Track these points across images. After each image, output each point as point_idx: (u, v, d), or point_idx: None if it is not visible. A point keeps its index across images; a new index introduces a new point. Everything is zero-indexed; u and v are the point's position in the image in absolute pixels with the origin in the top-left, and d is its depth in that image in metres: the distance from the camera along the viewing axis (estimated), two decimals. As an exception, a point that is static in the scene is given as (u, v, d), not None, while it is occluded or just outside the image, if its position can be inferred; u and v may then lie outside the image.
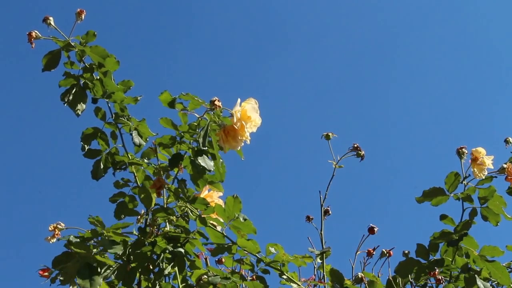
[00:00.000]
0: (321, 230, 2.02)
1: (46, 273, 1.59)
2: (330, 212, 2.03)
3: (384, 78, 5.56)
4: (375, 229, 2.02)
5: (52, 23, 1.74)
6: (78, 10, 1.75)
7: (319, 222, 2.03)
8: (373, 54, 5.59)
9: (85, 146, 1.80)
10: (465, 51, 5.62)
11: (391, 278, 1.89)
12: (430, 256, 1.86)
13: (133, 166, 1.81)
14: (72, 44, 1.76)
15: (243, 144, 1.73)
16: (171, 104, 1.72)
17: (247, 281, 1.72)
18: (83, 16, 1.75)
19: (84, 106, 1.79)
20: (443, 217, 1.85)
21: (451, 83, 5.51)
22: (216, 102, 1.67)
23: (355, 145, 2.00)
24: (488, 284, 1.81)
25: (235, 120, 1.69)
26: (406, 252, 1.93)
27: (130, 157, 1.82)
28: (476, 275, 1.81)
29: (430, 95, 5.49)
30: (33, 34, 1.73)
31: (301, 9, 5.58)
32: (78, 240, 1.64)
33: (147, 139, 1.82)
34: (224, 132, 1.70)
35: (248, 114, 1.70)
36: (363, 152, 2.01)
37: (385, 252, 2.00)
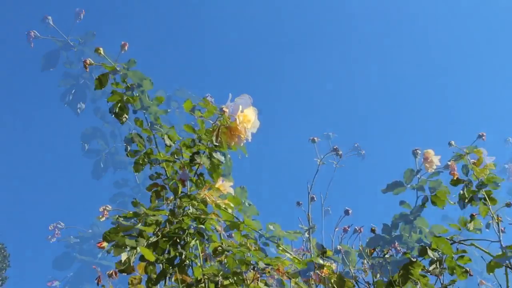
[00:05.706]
0: (308, 212, 2.56)
1: (102, 245, 2.09)
2: (315, 199, 2.58)
3: (384, 77, 5.93)
4: (350, 211, 2.56)
5: (103, 52, 2.25)
6: (122, 43, 2.26)
7: (307, 206, 2.58)
8: (371, 54, 5.96)
9: (127, 147, 2.32)
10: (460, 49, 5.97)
11: (361, 249, 2.43)
12: (392, 232, 2.41)
13: (164, 162, 2.33)
14: (118, 68, 2.27)
15: (245, 141, 2.26)
16: (192, 110, 2.25)
17: (252, 251, 2.24)
18: (126, 48, 2.26)
19: (127, 116, 2.31)
20: (401, 202, 2.40)
21: (452, 82, 5.86)
22: (225, 109, 2.20)
23: (334, 147, 2.55)
24: (436, 254, 2.34)
25: (238, 123, 2.22)
26: (373, 228, 2.46)
27: (162, 155, 2.34)
28: (427, 247, 2.35)
29: (430, 94, 5.87)
30: (88, 62, 2.24)
31: (303, 9, 5.93)
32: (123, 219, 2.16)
33: (175, 142, 2.35)
34: (230, 133, 2.23)
35: (249, 117, 2.19)
36: (341, 152, 2.55)
37: (357, 229, 2.53)
